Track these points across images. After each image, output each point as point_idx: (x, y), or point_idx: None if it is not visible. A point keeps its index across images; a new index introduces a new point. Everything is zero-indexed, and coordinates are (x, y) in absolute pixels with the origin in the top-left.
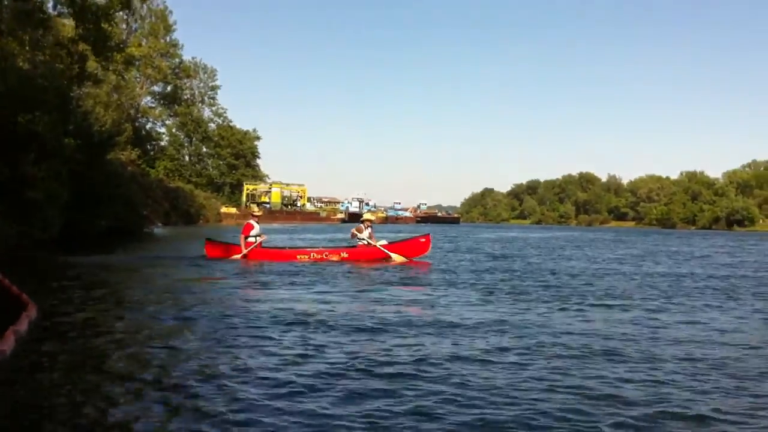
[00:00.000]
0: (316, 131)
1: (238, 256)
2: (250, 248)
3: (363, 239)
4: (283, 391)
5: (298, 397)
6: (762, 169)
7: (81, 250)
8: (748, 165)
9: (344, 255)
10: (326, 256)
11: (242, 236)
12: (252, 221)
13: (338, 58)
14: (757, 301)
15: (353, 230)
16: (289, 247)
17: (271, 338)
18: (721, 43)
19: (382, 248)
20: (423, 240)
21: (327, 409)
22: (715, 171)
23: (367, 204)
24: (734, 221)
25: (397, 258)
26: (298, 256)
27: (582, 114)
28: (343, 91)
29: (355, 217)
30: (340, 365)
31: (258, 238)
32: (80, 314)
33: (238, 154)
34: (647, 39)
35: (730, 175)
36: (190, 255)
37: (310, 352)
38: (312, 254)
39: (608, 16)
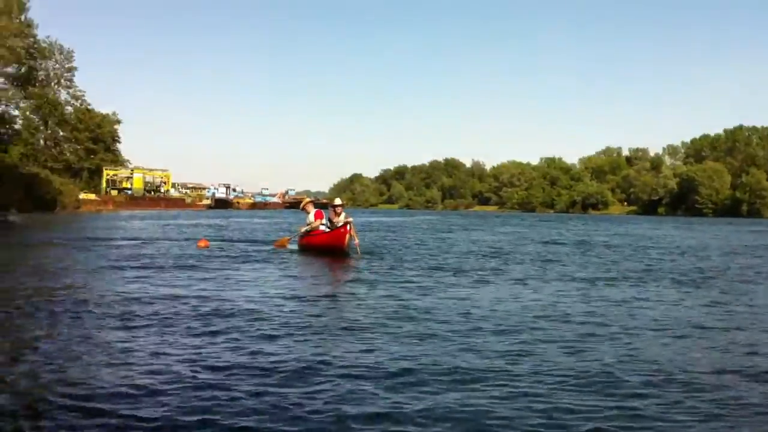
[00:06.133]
0: (180, 116)
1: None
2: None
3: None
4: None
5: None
6: (614, 155)
7: None
8: (602, 151)
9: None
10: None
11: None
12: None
13: (201, 41)
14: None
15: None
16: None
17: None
18: (579, 36)
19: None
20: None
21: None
22: (572, 157)
23: (234, 190)
24: (589, 205)
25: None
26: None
27: (448, 101)
28: (208, 74)
29: (222, 203)
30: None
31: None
32: None
33: (97, 138)
34: (506, 31)
35: (586, 162)
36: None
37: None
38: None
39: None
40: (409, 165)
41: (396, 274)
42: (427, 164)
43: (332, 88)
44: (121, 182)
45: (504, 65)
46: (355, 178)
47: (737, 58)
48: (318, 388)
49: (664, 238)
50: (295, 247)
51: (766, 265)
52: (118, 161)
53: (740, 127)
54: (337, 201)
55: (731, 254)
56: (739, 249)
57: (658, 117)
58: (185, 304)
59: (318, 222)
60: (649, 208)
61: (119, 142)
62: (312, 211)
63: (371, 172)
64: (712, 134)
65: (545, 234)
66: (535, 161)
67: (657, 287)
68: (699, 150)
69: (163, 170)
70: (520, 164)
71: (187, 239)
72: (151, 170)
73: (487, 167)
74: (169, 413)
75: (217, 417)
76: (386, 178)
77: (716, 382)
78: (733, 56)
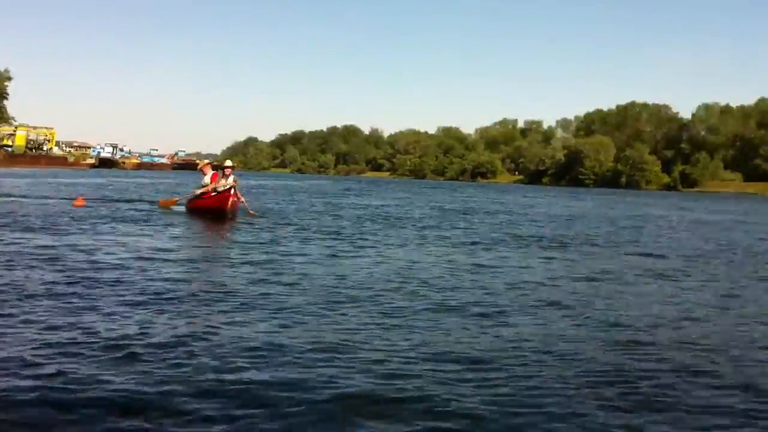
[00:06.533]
0: (74, 74)
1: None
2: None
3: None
4: None
5: None
6: (510, 127)
7: None
8: (499, 123)
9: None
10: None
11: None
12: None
13: None
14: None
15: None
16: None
17: None
18: (482, 8)
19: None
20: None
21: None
22: (470, 128)
23: (121, 150)
24: (479, 173)
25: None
26: None
27: (351, 66)
28: (101, 31)
29: (106, 163)
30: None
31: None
32: None
33: None
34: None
35: (482, 132)
36: None
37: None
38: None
39: None
40: (307, 130)
41: (279, 237)
42: (325, 130)
43: (233, 50)
44: (2, 139)
45: (408, 35)
46: (250, 142)
47: (636, 36)
48: (180, 360)
49: (545, 206)
50: (182, 208)
51: (635, 233)
52: (2, 118)
53: (632, 103)
54: (228, 163)
55: (606, 222)
56: (616, 218)
57: (554, 91)
58: (51, 266)
59: (213, 184)
60: (534, 178)
61: (6, 99)
62: (209, 173)
63: (269, 137)
64: (606, 109)
65: (432, 200)
66: (433, 131)
67: (532, 253)
68: (590, 124)
69: (48, 128)
70: (417, 132)
71: (63, 198)
72: (35, 128)
73: (386, 135)
74: (15, 387)
75: (64, 391)
76: (282, 143)
77: (576, 351)
78: (632, 34)
